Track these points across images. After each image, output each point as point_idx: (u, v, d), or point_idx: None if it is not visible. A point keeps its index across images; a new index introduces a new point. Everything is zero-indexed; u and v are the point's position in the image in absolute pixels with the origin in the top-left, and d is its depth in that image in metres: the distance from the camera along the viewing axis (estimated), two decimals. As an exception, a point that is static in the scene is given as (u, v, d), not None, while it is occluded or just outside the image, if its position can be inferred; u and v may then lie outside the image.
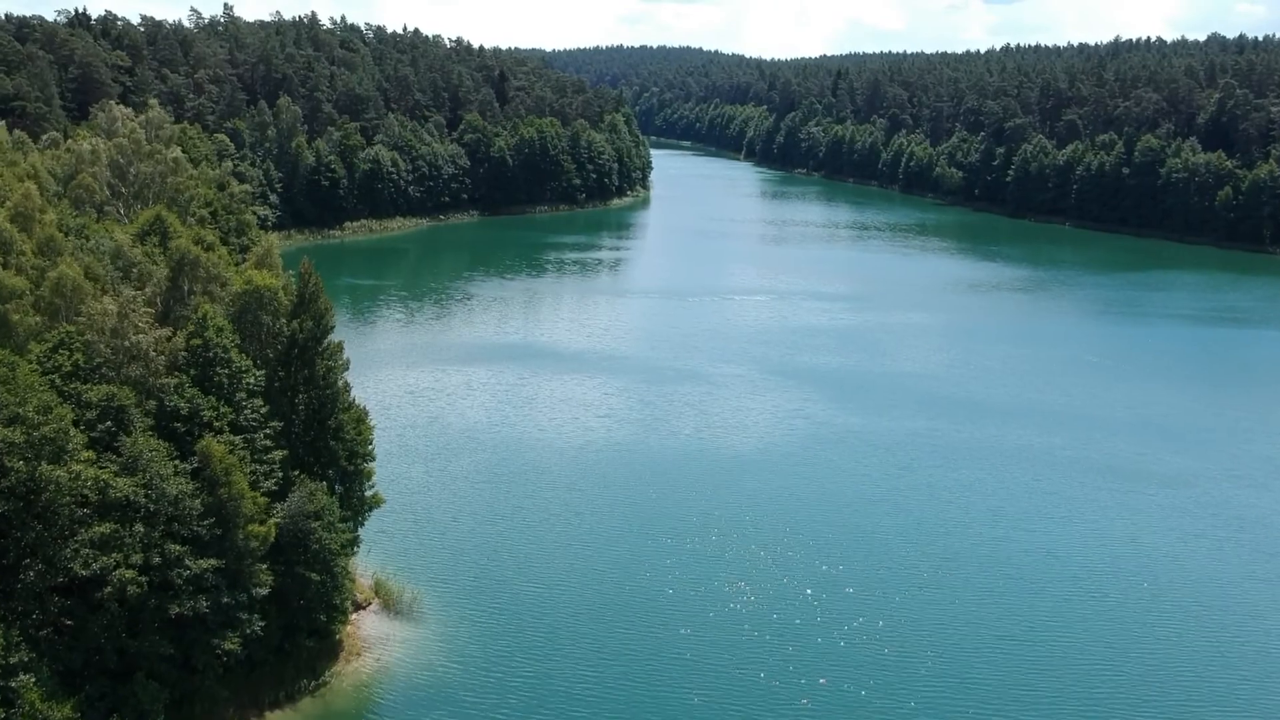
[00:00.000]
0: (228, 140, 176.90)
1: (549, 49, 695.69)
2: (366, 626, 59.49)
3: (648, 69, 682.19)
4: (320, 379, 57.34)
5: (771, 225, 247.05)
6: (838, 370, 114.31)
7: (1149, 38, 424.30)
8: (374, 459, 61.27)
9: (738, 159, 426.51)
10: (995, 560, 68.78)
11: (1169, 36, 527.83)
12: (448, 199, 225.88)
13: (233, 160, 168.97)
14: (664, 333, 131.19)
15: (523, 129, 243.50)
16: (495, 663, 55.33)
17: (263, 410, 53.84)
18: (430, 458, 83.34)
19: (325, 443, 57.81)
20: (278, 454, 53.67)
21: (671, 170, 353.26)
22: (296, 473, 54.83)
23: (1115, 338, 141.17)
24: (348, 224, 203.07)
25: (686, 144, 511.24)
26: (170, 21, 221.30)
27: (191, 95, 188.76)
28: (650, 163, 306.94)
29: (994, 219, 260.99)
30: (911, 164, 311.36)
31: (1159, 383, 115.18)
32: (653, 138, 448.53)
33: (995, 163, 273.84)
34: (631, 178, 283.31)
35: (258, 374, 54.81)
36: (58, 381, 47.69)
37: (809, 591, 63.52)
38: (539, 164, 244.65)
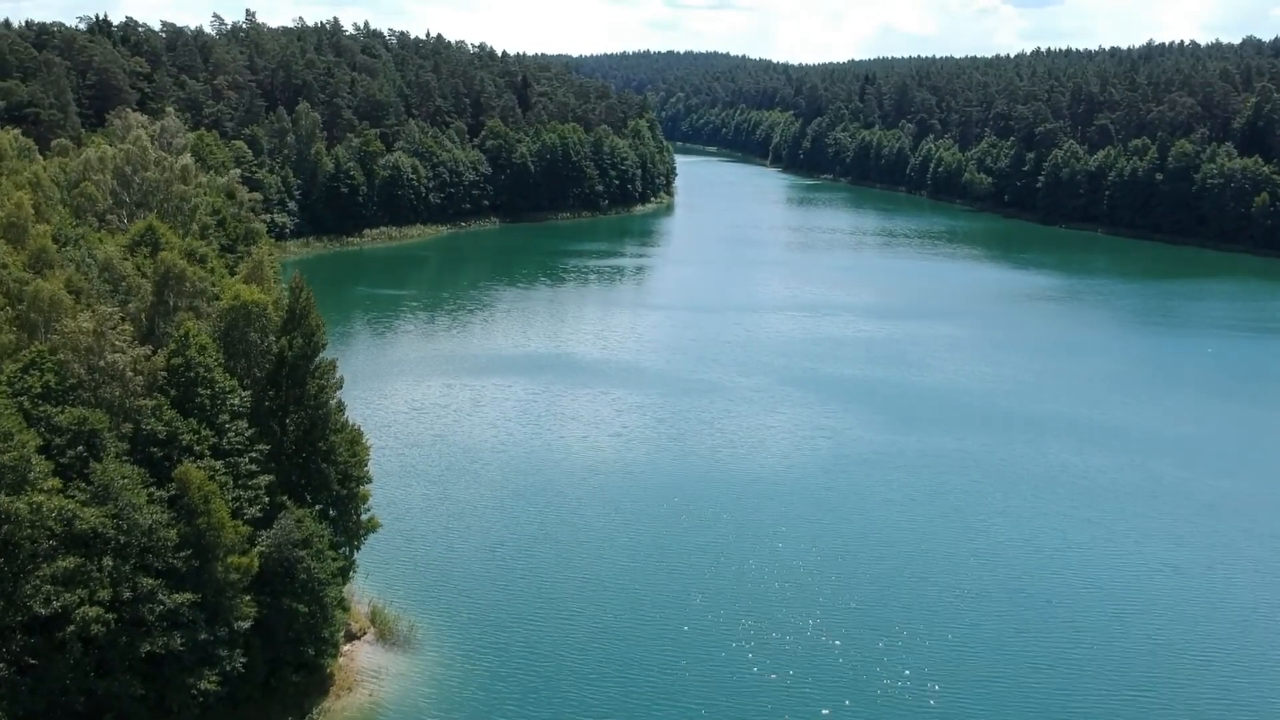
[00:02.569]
0: (245, 147, 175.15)
1: (576, 55, 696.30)
2: (361, 658, 56.59)
3: (674, 74, 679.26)
4: (311, 399, 54.41)
5: (797, 232, 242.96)
6: (863, 384, 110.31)
7: (1182, 41, 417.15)
8: (370, 481, 58.28)
9: (764, 164, 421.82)
10: (1028, 594, 64.75)
11: (1203, 40, 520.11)
12: (469, 206, 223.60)
13: (251, 167, 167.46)
14: (683, 344, 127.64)
15: (545, 135, 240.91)
16: (492, 705, 52.03)
17: (248, 433, 50.93)
18: (433, 479, 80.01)
19: (316, 466, 54.91)
20: (263, 479, 50.70)
21: (696, 176, 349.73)
22: (284, 498, 51.92)
23: (1153, 349, 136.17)
24: (367, 231, 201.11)
25: (712, 149, 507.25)
26: (191, 28, 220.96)
27: (210, 102, 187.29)
28: (674, 168, 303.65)
29: (1024, 226, 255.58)
30: (940, 169, 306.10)
31: (1200, 397, 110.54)
32: (678, 143, 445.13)
33: (1026, 168, 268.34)
34: (655, 184, 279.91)
35: (244, 395, 51.94)
36: (27, 404, 44.98)
37: (831, 629, 59.79)
38: (561, 170, 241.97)
